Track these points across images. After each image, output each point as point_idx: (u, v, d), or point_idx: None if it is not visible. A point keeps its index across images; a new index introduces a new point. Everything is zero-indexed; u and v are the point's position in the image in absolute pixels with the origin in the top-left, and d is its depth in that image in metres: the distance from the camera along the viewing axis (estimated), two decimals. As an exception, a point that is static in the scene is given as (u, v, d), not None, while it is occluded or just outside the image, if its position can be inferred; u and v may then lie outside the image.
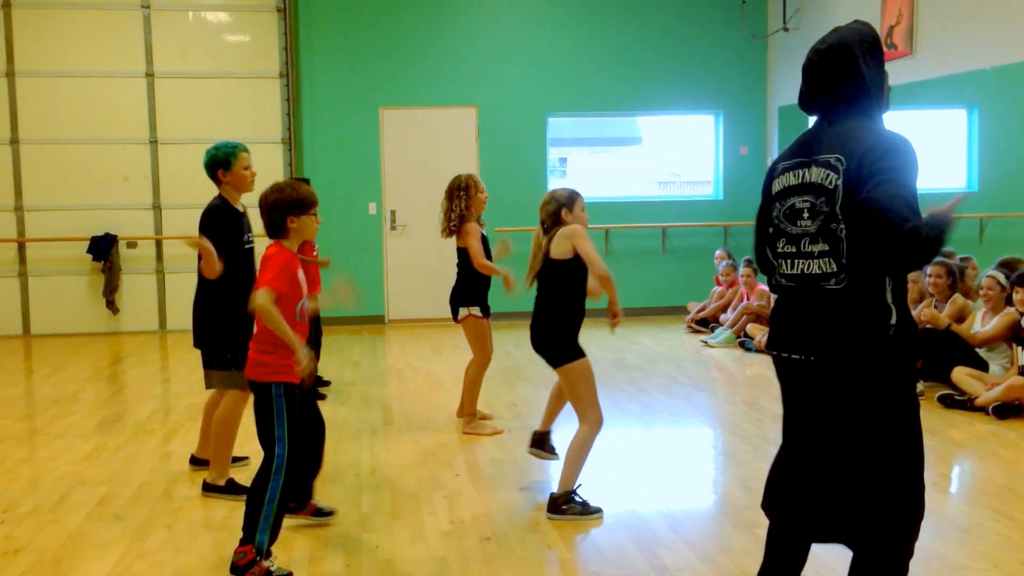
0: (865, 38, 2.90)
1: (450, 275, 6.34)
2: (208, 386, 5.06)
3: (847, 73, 2.87)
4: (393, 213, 11.14)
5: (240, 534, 3.87)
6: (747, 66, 11.39)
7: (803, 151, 2.94)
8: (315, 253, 7.31)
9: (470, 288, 6.11)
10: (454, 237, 6.18)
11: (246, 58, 10.90)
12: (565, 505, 4.56)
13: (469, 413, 6.22)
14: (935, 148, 10.63)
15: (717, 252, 10.54)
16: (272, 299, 3.73)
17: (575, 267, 4.61)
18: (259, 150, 10.63)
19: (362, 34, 10.95)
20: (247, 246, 4.98)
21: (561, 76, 11.23)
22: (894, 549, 2.89)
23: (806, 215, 2.86)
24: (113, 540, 4.33)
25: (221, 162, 4.95)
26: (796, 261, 2.92)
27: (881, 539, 2.88)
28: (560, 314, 4.66)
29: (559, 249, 4.61)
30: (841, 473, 2.92)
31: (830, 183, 2.79)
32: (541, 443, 5.22)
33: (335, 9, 10.91)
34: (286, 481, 3.82)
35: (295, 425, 3.88)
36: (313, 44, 10.92)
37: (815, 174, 2.84)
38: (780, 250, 2.99)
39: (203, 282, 4.93)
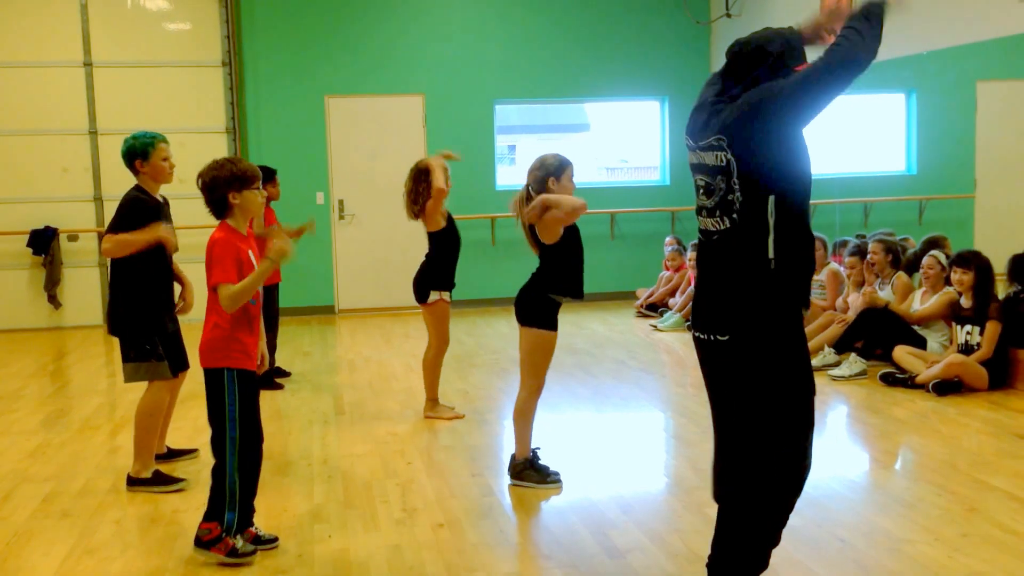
0: (781, 42, 3.06)
1: (399, 263, 6.33)
2: (127, 380, 4.91)
3: (753, 69, 3.06)
4: (341, 202, 11.07)
5: (192, 525, 3.84)
6: (692, 52, 11.48)
7: (698, 135, 3.18)
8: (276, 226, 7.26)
9: (442, 271, 6.03)
10: (422, 221, 6.03)
11: (187, 46, 10.71)
12: (525, 471, 4.75)
13: (431, 398, 6.22)
14: (874, 132, 10.83)
15: (667, 238, 10.64)
16: (230, 291, 3.75)
17: (565, 247, 4.66)
18: (203, 140, 10.61)
19: (306, 21, 10.83)
20: None
21: (508, 63, 11.22)
22: (749, 510, 3.12)
23: (702, 192, 3.16)
24: (60, 537, 4.27)
25: (139, 152, 4.87)
26: (706, 219, 3.17)
27: (740, 499, 3.13)
28: (546, 283, 4.69)
29: (546, 237, 4.63)
30: (728, 434, 3.20)
31: (721, 161, 3.04)
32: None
33: (278, -4, 10.78)
34: (242, 458, 3.87)
35: (248, 409, 3.90)
36: (256, 32, 10.78)
37: (707, 158, 3.11)
38: (701, 215, 3.23)
39: (121, 272, 4.84)
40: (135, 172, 4.92)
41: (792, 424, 3.08)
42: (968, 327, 6.68)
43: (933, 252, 7.25)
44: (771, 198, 2.96)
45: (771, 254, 2.99)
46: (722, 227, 3.07)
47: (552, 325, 4.71)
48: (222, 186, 3.82)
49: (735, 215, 3.02)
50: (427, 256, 6.11)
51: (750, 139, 2.96)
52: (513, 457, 4.86)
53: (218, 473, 3.89)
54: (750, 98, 2.98)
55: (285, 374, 7.55)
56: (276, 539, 4.10)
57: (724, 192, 3.04)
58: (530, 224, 4.65)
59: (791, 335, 3.07)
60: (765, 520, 3.15)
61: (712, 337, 3.14)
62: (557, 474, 4.83)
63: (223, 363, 3.86)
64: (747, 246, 3.02)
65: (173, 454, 5.28)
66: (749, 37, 3.14)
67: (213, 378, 3.89)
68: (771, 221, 2.97)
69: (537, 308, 4.70)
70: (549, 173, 4.67)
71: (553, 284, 4.68)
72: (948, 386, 6.42)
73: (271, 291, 7.27)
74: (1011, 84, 9.66)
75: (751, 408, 3.08)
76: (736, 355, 3.08)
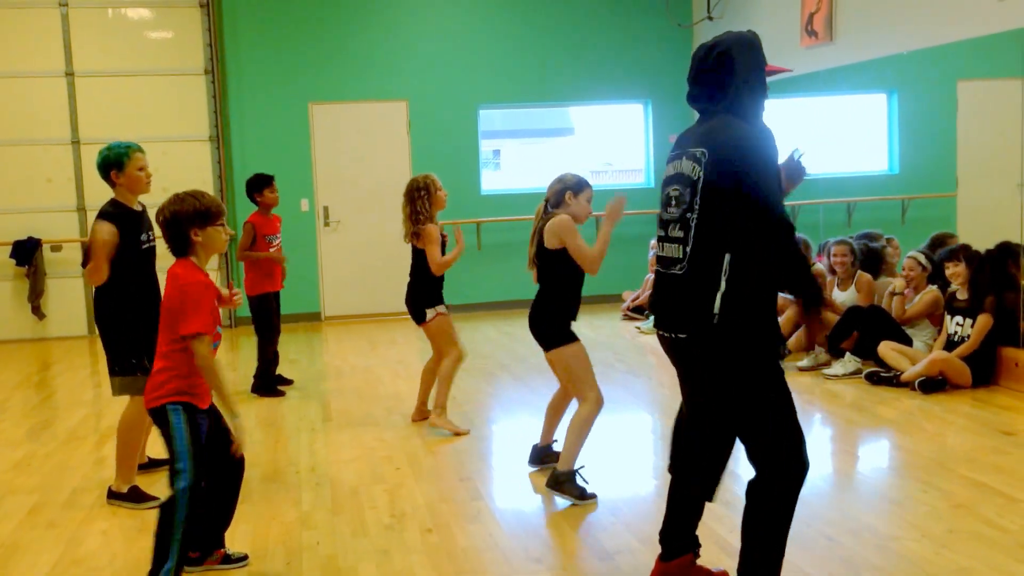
0: (745, 45, 3.15)
1: (385, 269, 6.29)
2: (114, 394, 4.90)
3: (722, 74, 3.13)
4: (326, 209, 11.05)
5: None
6: (674, 55, 11.50)
7: (681, 143, 3.23)
8: (276, 246, 7.18)
9: (431, 287, 5.97)
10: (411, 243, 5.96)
11: (170, 55, 10.68)
12: (567, 483, 4.66)
13: (440, 405, 6.04)
14: (857, 132, 10.89)
15: (652, 241, 10.67)
16: (210, 346, 3.50)
17: (567, 256, 4.66)
18: (187, 148, 10.59)
19: (288, 28, 10.81)
20: (145, 246, 4.84)
21: (491, 68, 11.23)
22: (778, 488, 3.16)
23: (673, 203, 3.17)
24: (47, 547, 4.25)
25: (114, 163, 4.81)
26: (664, 244, 3.23)
27: (768, 481, 3.16)
28: (554, 300, 4.76)
29: (550, 242, 4.67)
30: (724, 433, 3.30)
31: (694, 174, 3.08)
32: (542, 458, 5.14)
33: (260, 3, 10.74)
34: (191, 509, 3.52)
35: (200, 449, 3.57)
36: (238, 39, 10.76)
37: (685, 166, 3.13)
38: (660, 233, 3.28)
39: (105, 289, 4.77)
40: (111, 184, 4.87)
41: (778, 405, 3.14)
42: (959, 318, 6.71)
43: (913, 253, 7.31)
44: (727, 256, 3.00)
45: (716, 309, 3.02)
46: (677, 256, 3.12)
47: (571, 337, 4.77)
48: (184, 222, 3.55)
49: (688, 247, 3.06)
50: (413, 274, 6.01)
51: (721, 187, 3.03)
52: (554, 468, 4.74)
53: (166, 518, 3.52)
54: (740, 148, 3.00)
55: (288, 381, 7.51)
56: (246, 557, 3.98)
57: (686, 207, 3.09)
58: (539, 236, 4.71)
59: (752, 329, 3.09)
60: (792, 496, 3.16)
61: (674, 335, 3.22)
62: (595, 496, 4.66)
63: (164, 400, 3.54)
64: (697, 286, 3.06)
65: (154, 463, 5.25)
66: (714, 41, 3.18)
67: (157, 417, 3.57)
68: (723, 280, 3.01)
69: (555, 328, 4.75)
70: (567, 187, 4.76)
71: (565, 306, 4.75)
72: (933, 384, 6.46)
73: (271, 299, 7.20)
74: (992, 83, 9.72)
75: (734, 401, 3.18)
76: (699, 351, 3.17)
